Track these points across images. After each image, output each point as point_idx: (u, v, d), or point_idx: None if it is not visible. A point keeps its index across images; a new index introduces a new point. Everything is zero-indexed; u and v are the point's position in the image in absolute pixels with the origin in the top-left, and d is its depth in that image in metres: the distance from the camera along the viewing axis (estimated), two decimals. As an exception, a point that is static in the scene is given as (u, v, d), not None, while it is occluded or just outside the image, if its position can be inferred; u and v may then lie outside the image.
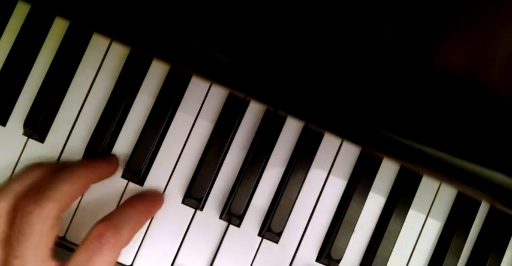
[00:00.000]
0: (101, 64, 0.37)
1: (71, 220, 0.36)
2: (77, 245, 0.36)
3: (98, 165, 0.34)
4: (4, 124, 0.37)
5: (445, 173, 0.26)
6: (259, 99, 0.27)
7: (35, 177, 0.33)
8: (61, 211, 0.30)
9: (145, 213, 0.34)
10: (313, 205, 0.37)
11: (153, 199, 0.35)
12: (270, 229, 0.36)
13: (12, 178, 0.33)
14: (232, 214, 0.36)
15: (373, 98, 0.25)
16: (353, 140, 0.27)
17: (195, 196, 0.36)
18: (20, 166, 0.37)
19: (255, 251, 0.37)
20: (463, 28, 0.23)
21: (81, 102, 0.37)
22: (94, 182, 0.34)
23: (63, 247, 0.35)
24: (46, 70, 0.37)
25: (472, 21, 0.22)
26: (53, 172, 0.33)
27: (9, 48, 0.37)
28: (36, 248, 0.29)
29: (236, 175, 0.37)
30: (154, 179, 0.37)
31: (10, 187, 0.31)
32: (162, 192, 0.37)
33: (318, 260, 0.37)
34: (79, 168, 0.33)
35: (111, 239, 0.29)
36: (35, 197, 0.29)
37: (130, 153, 0.37)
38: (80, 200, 0.36)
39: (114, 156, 0.36)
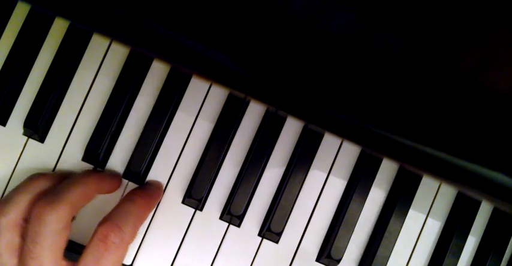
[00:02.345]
0: (101, 64, 0.37)
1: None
2: (79, 245, 0.36)
3: (104, 176, 0.35)
4: (4, 124, 0.37)
5: (444, 173, 0.26)
6: (260, 99, 0.27)
7: (40, 187, 0.33)
8: (73, 212, 0.31)
9: (145, 207, 0.34)
10: (313, 205, 0.37)
11: (152, 192, 0.35)
12: (270, 229, 0.36)
13: (16, 190, 0.33)
14: (233, 214, 0.36)
15: (373, 98, 0.25)
16: (353, 140, 0.27)
17: (195, 196, 0.36)
18: (20, 166, 0.37)
19: (255, 251, 0.37)
20: (461, 30, 0.23)
21: (81, 102, 0.37)
22: (100, 192, 0.35)
23: (65, 248, 0.35)
24: (46, 71, 0.37)
25: (474, 27, 0.22)
26: (58, 180, 0.34)
27: (9, 48, 0.37)
28: (52, 249, 0.30)
29: (236, 175, 0.37)
30: (154, 179, 0.37)
31: (16, 199, 0.32)
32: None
33: (318, 260, 0.37)
34: (89, 175, 0.34)
35: (115, 239, 0.30)
36: (49, 199, 0.30)
37: (130, 153, 0.37)
38: (80, 201, 0.36)
39: (118, 173, 0.37)
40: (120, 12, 0.25)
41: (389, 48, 0.23)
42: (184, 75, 0.37)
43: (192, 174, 0.37)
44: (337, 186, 0.37)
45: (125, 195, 0.37)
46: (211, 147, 0.36)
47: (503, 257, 0.37)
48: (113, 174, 0.36)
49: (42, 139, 0.37)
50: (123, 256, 0.31)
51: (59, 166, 0.37)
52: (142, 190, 0.35)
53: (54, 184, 0.34)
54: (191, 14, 0.24)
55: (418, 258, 0.37)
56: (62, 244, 0.31)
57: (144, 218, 0.34)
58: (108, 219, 0.31)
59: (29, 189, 0.33)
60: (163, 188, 0.37)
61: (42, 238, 0.29)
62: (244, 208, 0.36)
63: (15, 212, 0.31)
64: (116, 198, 0.37)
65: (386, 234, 0.36)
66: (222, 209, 0.37)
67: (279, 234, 0.36)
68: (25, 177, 0.35)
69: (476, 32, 0.22)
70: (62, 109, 0.37)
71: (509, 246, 0.37)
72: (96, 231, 0.30)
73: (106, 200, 0.36)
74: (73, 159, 0.37)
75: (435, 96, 0.24)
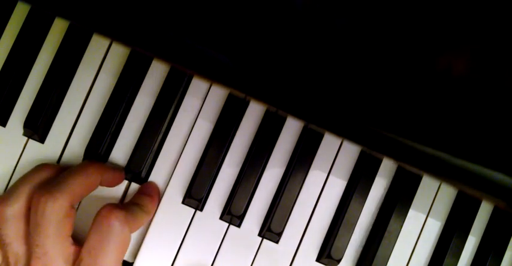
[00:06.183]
0: (101, 64, 0.37)
1: (71, 220, 0.36)
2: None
3: (106, 167, 0.35)
4: (4, 125, 0.37)
5: (444, 173, 0.26)
6: (260, 99, 0.27)
7: (43, 177, 0.34)
8: (74, 201, 0.32)
9: (149, 216, 0.35)
10: (313, 205, 0.37)
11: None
12: (270, 229, 0.36)
13: (20, 180, 0.33)
14: (233, 214, 0.36)
15: (373, 98, 0.25)
16: (353, 140, 0.27)
17: (195, 196, 0.36)
18: (20, 167, 0.37)
19: (255, 251, 0.37)
20: (461, 33, 0.23)
21: (82, 102, 0.37)
22: (102, 184, 0.35)
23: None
24: (46, 71, 0.37)
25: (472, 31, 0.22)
26: (62, 170, 0.34)
27: (9, 48, 0.37)
28: (55, 237, 0.30)
29: (236, 175, 0.37)
30: (155, 179, 0.37)
31: (20, 189, 0.33)
32: (161, 192, 0.37)
33: (318, 260, 0.37)
34: (91, 165, 0.34)
35: (115, 221, 0.31)
36: (48, 189, 0.31)
37: (130, 153, 0.37)
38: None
39: (121, 167, 0.37)
40: (120, 12, 0.25)
41: (388, 47, 0.23)
42: (184, 75, 0.37)
43: (192, 174, 0.37)
44: (337, 186, 0.37)
45: (125, 196, 0.37)
46: (211, 147, 0.36)
47: (503, 257, 0.37)
48: (116, 167, 0.37)
49: (42, 140, 0.37)
50: (127, 240, 0.32)
51: (59, 166, 0.37)
52: (149, 197, 0.36)
53: (58, 174, 0.34)
54: (191, 14, 0.24)
55: (418, 258, 0.37)
56: (65, 232, 0.31)
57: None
58: (113, 207, 0.32)
59: (32, 179, 0.33)
60: (164, 188, 0.37)
61: (43, 228, 0.30)
62: (244, 208, 0.36)
63: (20, 202, 0.32)
64: (116, 198, 0.37)
65: (386, 234, 0.36)
66: (222, 209, 0.37)
67: (279, 234, 0.36)
68: (25, 177, 0.35)
69: (478, 32, 0.22)
70: (62, 110, 0.37)
71: (509, 246, 0.37)
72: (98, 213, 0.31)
73: (106, 201, 0.36)
74: (73, 159, 0.37)
75: (435, 96, 0.24)
